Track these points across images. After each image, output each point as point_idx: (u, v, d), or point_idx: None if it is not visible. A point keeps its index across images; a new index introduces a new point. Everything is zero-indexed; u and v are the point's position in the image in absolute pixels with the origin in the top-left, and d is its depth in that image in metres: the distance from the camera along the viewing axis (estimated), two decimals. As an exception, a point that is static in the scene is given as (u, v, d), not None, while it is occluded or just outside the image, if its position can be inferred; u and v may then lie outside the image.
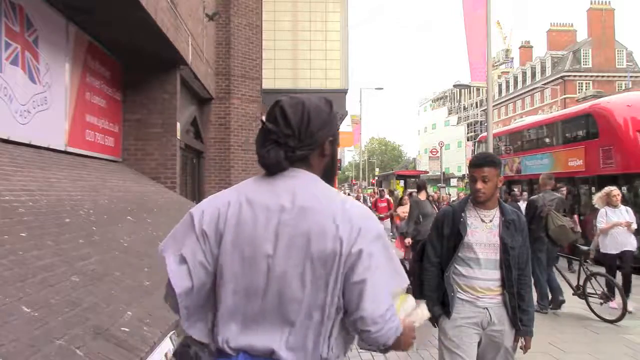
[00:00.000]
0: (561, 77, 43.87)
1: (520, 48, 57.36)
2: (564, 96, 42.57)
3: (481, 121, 55.48)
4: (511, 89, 53.69)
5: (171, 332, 2.68)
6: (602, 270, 6.72)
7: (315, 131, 1.32)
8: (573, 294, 6.42)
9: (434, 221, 2.89)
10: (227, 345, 1.25)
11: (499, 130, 19.63)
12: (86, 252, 3.33)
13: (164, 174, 7.38)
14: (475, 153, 14.61)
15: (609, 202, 6.57)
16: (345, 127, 36.02)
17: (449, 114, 68.96)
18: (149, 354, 2.42)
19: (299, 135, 1.30)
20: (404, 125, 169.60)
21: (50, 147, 5.07)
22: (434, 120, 70.85)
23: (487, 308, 2.58)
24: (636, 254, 6.68)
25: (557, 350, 4.75)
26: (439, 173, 45.06)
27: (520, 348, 2.68)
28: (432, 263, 2.73)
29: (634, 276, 6.72)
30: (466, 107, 65.28)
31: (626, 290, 6.21)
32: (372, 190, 30.99)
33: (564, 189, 9.17)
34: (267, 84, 12.45)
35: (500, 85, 55.57)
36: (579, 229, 9.62)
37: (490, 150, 10.22)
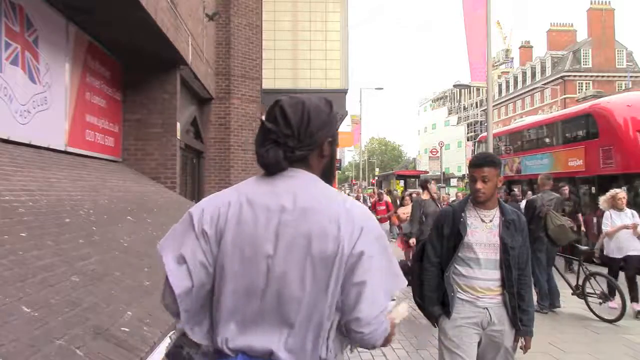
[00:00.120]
0: (561, 77, 43.87)
1: (520, 48, 57.35)
2: (564, 96, 42.57)
3: (481, 121, 55.48)
4: (511, 89, 53.69)
5: (171, 332, 2.68)
6: (602, 270, 6.71)
7: (314, 131, 1.31)
8: (572, 294, 6.42)
9: (434, 221, 2.89)
10: (226, 346, 1.24)
11: (499, 130, 19.62)
12: (86, 252, 3.33)
13: (164, 174, 7.38)
14: (475, 153, 14.61)
15: (614, 205, 6.42)
16: (345, 127, 36.05)
17: (449, 114, 68.95)
18: (149, 354, 2.42)
19: (299, 135, 1.30)
20: (404, 125, 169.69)
21: (50, 147, 5.07)
22: (434, 120, 70.84)
23: (487, 308, 2.58)
24: None
25: (557, 350, 4.75)
26: (439, 173, 45.07)
27: (520, 348, 2.68)
28: (432, 263, 2.73)
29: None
30: (466, 107, 65.28)
31: (633, 294, 6.07)
32: (371, 190, 31.01)
33: (566, 189, 9.14)
34: (267, 84, 12.46)
35: (500, 85, 55.56)
36: (584, 228, 9.64)
37: (490, 150, 10.22)
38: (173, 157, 7.41)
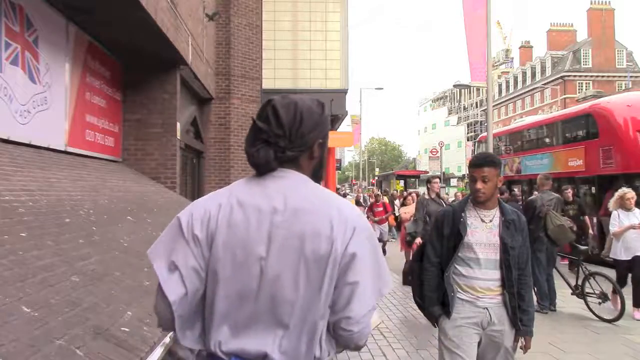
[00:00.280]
0: (561, 77, 43.88)
1: (520, 48, 57.37)
2: (564, 96, 42.58)
3: (481, 121, 55.49)
4: (511, 89, 53.70)
5: (171, 332, 2.68)
6: (602, 270, 6.70)
7: (306, 132, 1.31)
8: (572, 294, 6.42)
9: (434, 221, 2.89)
10: (219, 350, 1.23)
11: (499, 130, 19.62)
12: (86, 252, 3.33)
13: (164, 174, 7.38)
14: (475, 153, 14.61)
15: (622, 205, 6.24)
16: (345, 127, 36.04)
17: (449, 114, 68.96)
18: (149, 354, 2.42)
19: (290, 135, 1.29)
20: (404, 125, 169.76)
21: (50, 147, 5.07)
22: (434, 120, 70.84)
23: (487, 308, 2.58)
24: None
25: (557, 350, 4.75)
26: (439, 173, 45.07)
27: (520, 348, 2.68)
28: (432, 263, 2.73)
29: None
30: (466, 107, 65.29)
31: (636, 299, 6.00)
32: (371, 190, 30.99)
33: (570, 192, 9.12)
34: (267, 84, 12.46)
35: (500, 85, 55.57)
36: (591, 231, 9.58)
37: (490, 150, 10.22)
38: (173, 157, 7.41)
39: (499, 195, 2.77)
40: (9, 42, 4.29)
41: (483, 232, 2.62)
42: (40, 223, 3.29)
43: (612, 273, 6.36)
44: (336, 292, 1.23)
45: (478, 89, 54.57)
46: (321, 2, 14.24)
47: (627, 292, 6.04)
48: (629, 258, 6.06)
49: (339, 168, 28.19)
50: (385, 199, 13.58)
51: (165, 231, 1.32)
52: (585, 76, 43.64)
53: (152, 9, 5.40)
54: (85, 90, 5.90)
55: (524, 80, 51.16)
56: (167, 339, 2.57)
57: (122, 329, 2.55)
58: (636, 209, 6.22)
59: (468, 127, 59.73)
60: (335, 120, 16.28)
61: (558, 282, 6.52)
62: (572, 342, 5.04)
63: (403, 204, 11.20)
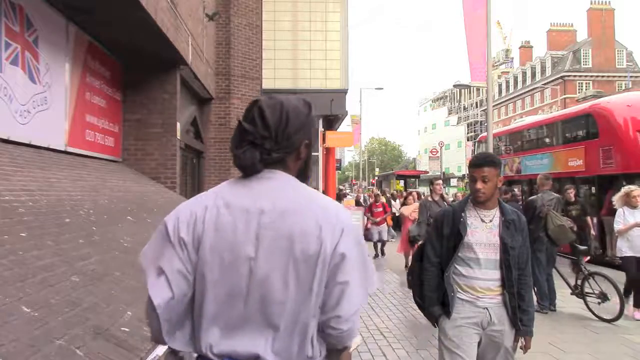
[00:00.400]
0: (561, 77, 43.88)
1: (520, 48, 57.36)
2: (564, 96, 42.58)
3: (481, 121, 55.49)
4: (511, 89, 53.69)
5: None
6: (601, 270, 6.70)
7: (292, 133, 1.30)
8: (571, 294, 6.42)
9: (434, 221, 2.88)
10: (210, 352, 1.23)
11: (499, 130, 19.62)
12: (86, 252, 3.33)
13: (164, 174, 7.38)
14: (475, 153, 14.60)
15: (627, 202, 6.12)
16: (345, 127, 36.00)
17: (449, 114, 68.96)
18: (149, 354, 2.42)
19: (276, 137, 1.29)
20: (404, 125, 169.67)
21: (50, 147, 5.07)
22: (434, 120, 70.85)
23: (487, 308, 2.58)
24: None
25: (557, 350, 4.75)
26: (439, 173, 45.06)
27: (520, 348, 2.68)
28: (432, 263, 2.73)
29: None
30: (466, 107, 65.28)
31: (637, 299, 5.94)
32: (371, 190, 31.00)
33: (572, 191, 9.11)
34: (267, 84, 12.46)
35: (500, 85, 55.56)
36: (593, 232, 9.55)
37: (490, 150, 10.22)
38: (173, 157, 7.41)
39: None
40: (9, 42, 4.29)
41: (483, 232, 2.62)
42: (40, 223, 3.29)
43: (612, 273, 6.35)
44: (326, 292, 1.23)
45: (478, 89, 54.57)
46: (321, 2, 14.24)
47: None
48: (638, 255, 5.94)
49: (339, 168, 28.15)
50: (384, 199, 13.55)
51: (152, 236, 1.31)
52: (585, 76, 43.64)
53: (152, 9, 5.40)
54: (85, 90, 5.90)
55: (524, 80, 51.16)
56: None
57: (122, 329, 2.55)
58: None
59: (468, 127, 59.73)
60: (335, 120, 16.28)
61: (558, 282, 6.51)
62: (572, 342, 5.04)
63: (404, 204, 11.17)
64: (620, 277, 6.31)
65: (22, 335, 2.00)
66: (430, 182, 7.46)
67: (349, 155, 70.33)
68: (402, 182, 29.30)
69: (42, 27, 4.82)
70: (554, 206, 6.49)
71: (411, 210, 9.65)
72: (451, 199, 12.69)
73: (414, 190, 18.30)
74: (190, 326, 1.29)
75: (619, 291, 5.86)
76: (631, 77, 40.70)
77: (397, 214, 14.24)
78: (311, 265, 1.20)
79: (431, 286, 2.72)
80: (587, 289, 6.19)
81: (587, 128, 12.09)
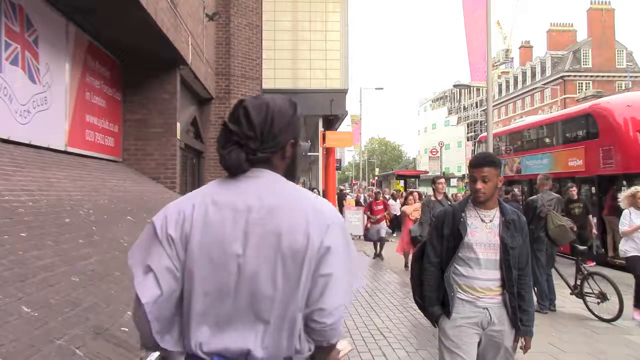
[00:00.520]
0: (561, 77, 43.88)
1: (520, 48, 57.34)
2: (564, 96, 42.58)
3: (481, 121, 55.49)
4: (511, 89, 53.69)
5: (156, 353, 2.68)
6: (601, 270, 6.69)
7: (277, 133, 1.31)
8: (571, 294, 6.42)
9: (434, 221, 2.88)
10: (200, 350, 1.23)
11: (499, 130, 19.61)
12: (86, 252, 3.33)
13: (164, 174, 7.39)
14: (475, 153, 14.61)
15: (633, 203, 6.03)
16: (345, 127, 35.99)
17: (449, 114, 68.96)
18: (149, 354, 2.42)
19: (262, 137, 1.30)
20: (404, 125, 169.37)
21: (50, 147, 5.07)
22: (434, 120, 70.84)
23: (487, 308, 2.58)
24: None
25: (557, 350, 4.75)
26: (439, 173, 45.07)
27: (520, 348, 2.68)
28: (432, 263, 2.73)
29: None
30: (466, 107, 65.29)
31: (638, 299, 5.91)
32: (371, 190, 31.01)
33: (574, 190, 9.07)
34: (267, 84, 12.46)
35: (500, 85, 55.56)
36: (595, 231, 9.53)
37: (490, 150, 10.21)
38: (173, 157, 7.42)
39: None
40: (9, 42, 4.29)
41: (483, 232, 2.62)
42: (40, 223, 3.29)
43: (611, 274, 6.33)
44: (311, 284, 1.24)
45: (478, 89, 54.58)
46: (321, 2, 14.25)
47: (627, 291, 6.03)
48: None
49: (339, 168, 28.16)
50: (387, 196, 13.55)
51: (141, 236, 1.31)
52: (585, 76, 43.64)
53: (152, 9, 5.40)
54: (85, 90, 5.90)
55: (524, 80, 51.16)
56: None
57: (122, 329, 2.55)
58: None
59: (468, 127, 59.73)
60: (335, 120, 16.28)
61: (558, 282, 6.52)
62: (572, 342, 5.04)
63: (404, 204, 11.16)
64: (620, 278, 6.31)
65: (22, 335, 2.00)
66: (433, 181, 7.20)
67: (349, 155, 70.28)
68: (402, 182, 29.30)
69: (42, 27, 4.82)
70: (554, 206, 6.49)
71: (412, 209, 9.64)
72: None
73: (415, 190, 18.29)
74: (180, 325, 1.29)
75: (619, 291, 5.85)
76: (631, 77, 40.70)
77: (397, 214, 14.23)
78: (299, 260, 1.22)
79: (431, 286, 2.72)
80: (586, 289, 6.19)
81: (587, 128, 12.09)
